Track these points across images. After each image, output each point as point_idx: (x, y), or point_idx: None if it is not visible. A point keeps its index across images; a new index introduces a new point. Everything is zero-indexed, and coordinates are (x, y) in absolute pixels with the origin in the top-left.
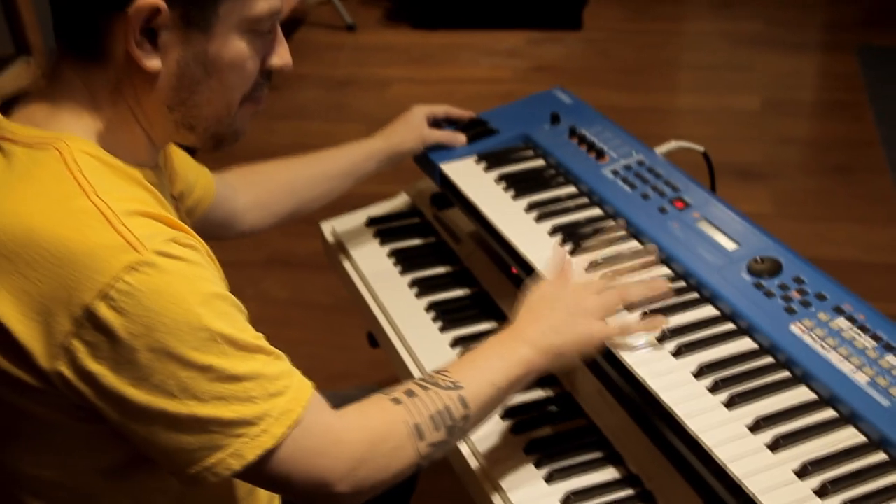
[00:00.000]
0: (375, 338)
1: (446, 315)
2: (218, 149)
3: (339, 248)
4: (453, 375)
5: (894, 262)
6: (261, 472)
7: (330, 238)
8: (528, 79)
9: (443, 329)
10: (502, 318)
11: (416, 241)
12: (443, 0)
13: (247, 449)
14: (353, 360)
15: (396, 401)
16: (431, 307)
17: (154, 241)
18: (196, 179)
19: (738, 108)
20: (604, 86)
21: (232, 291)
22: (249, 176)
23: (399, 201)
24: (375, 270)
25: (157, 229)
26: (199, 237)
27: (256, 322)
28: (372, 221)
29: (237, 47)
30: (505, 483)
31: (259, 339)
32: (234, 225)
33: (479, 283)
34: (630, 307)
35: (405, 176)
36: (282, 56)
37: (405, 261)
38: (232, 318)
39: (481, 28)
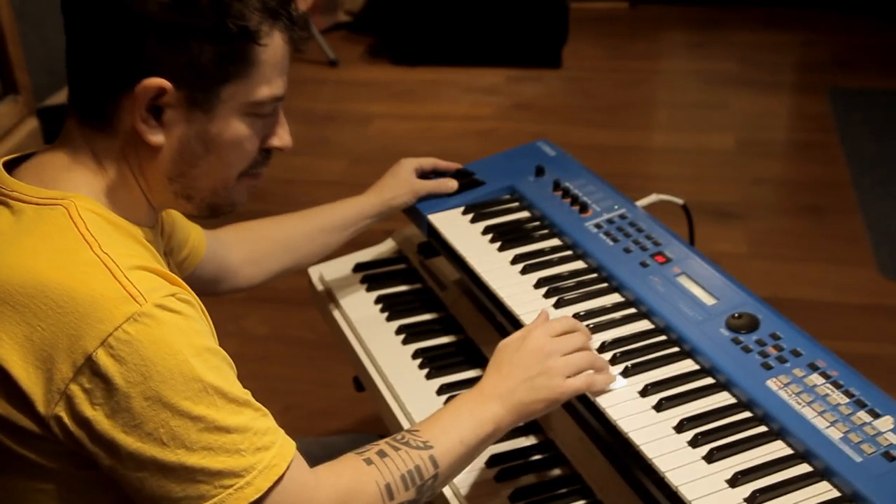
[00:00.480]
0: (362, 382)
1: (432, 362)
2: (213, 217)
3: (327, 293)
4: (424, 434)
5: (866, 302)
6: None
7: (318, 284)
8: (509, 116)
9: (429, 376)
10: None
11: (402, 288)
12: (424, 37)
13: (231, 500)
14: (336, 396)
15: (368, 461)
16: (417, 354)
17: (154, 295)
18: (187, 236)
19: (713, 147)
20: (583, 124)
21: (213, 328)
22: (243, 233)
23: (385, 247)
24: (362, 316)
25: (158, 283)
26: (193, 293)
27: (238, 358)
28: (359, 267)
29: (237, 128)
30: None
31: (247, 394)
32: (227, 280)
33: (464, 331)
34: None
35: (391, 220)
36: (282, 138)
37: (391, 307)
38: (223, 373)
39: (461, 65)
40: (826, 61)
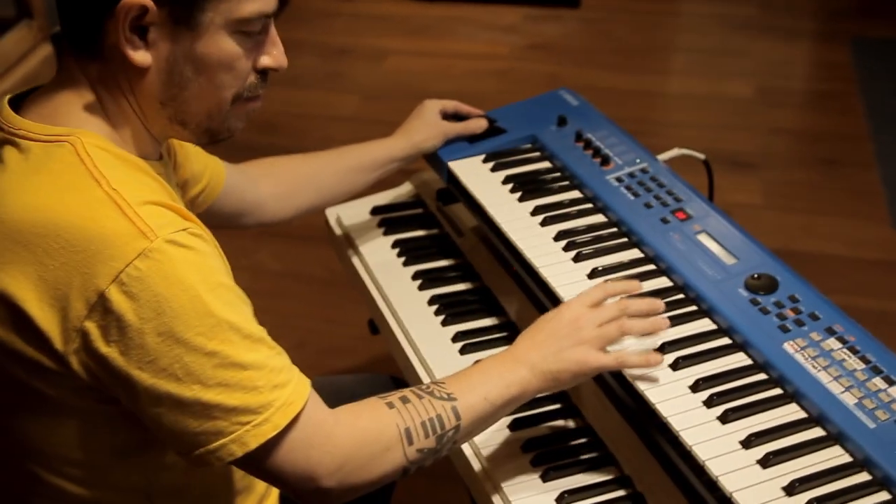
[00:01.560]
0: (377, 326)
1: (448, 308)
2: (212, 143)
3: (345, 236)
4: (449, 387)
5: (878, 258)
6: (258, 460)
7: (335, 226)
8: (525, 56)
9: (445, 323)
10: (503, 314)
11: (419, 233)
12: None
13: (249, 437)
14: (347, 335)
15: (390, 405)
16: (434, 300)
17: (165, 230)
18: (203, 169)
19: (731, 94)
20: (599, 66)
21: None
22: (271, 168)
23: (403, 191)
24: (379, 261)
25: (169, 219)
26: (206, 228)
27: (249, 293)
28: (376, 210)
29: (226, 46)
30: (501, 478)
31: (263, 332)
32: (252, 214)
33: (480, 279)
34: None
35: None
36: (275, 57)
37: (408, 252)
38: (238, 309)
39: (480, 2)
40: (851, 8)
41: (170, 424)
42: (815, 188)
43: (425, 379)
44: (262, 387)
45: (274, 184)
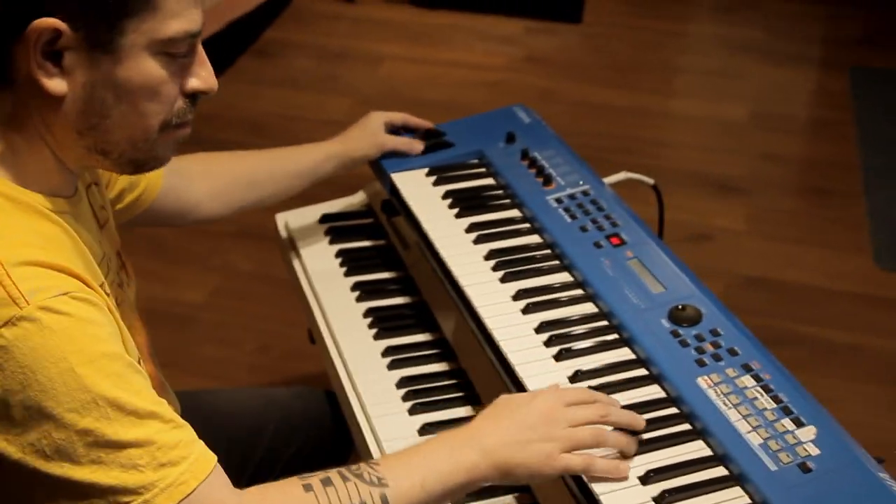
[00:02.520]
0: (313, 335)
1: (382, 322)
2: (137, 173)
3: (289, 241)
4: (383, 470)
5: (857, 291)
6: None
7: (282, 231)
8: (520, 68)
9: (377, 336)
10: (437, 331)
11: (365, 243)
12: None
13: None
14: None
15: (308, 487)
16: (369, 312)
17: (40, 296)
18: (140, 176)
19: (724, 117)
20: (594, 82)
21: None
22: (207, 165)
23: (356, 199)
24: (320, 269)
25: (47, 282)
26: (101, 291)
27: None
28: (325, 218)
29: (149, 70)
30: None
31: (158, 404)
32: (189, 213)
33: (420, 293)
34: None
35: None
36: (204, 79)
37: (351, 262)
38: (123, 380)
39: (481, 12)
40: (853, 37)
41: (44, 500)
42: (801, 216)
43: (352, 396)
44: (143, 465)
45: (211, 182)
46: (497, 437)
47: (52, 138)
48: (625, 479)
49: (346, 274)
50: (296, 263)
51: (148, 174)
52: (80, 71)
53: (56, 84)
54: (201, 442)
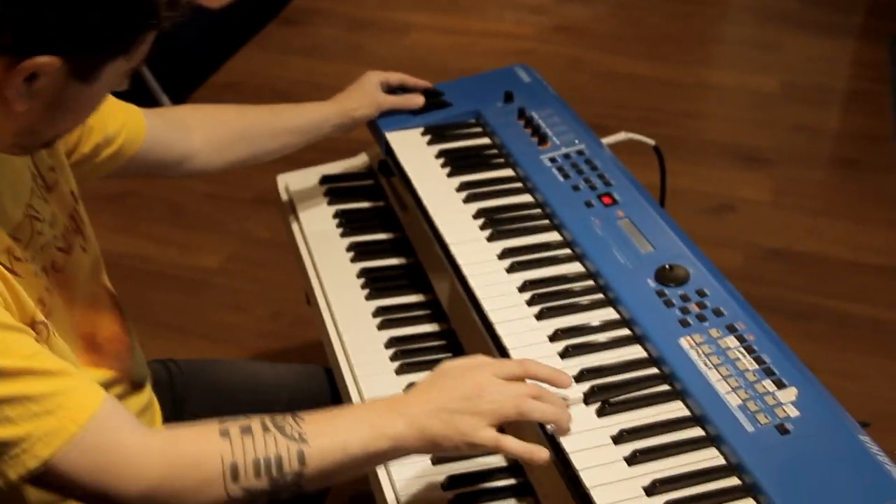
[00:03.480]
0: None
1: (375, 283)
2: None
3: (290, 203)
4: (305, 426)
5: (881, 263)
6: (39, 485)
7: (282, 191)
8: (550, 38)
9: (369, 297)
10: (431, 292)
11: (363, 204)
12: None
13: (7, 468)
14: None
15: (224, 433)
16: (363, 273)
17: None
18: (119, 129)
19: (756, 88)
20: (624, 53)
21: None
22: (204, 117)
23: (358, 161)
24: (317, 230)
25: None
26: None
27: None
28: (325, 179)
29: (107, 92)
30: None
31: (30, 358)
32: (181, 165)
33: (416, 254)
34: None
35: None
36: (123, 84)
37: (348, 223)
38: None
39: None
40: (893, 7)
41: None
42: (829, 189)
43: (340, 354)
44: (16, 418)
45: (207, 134)
46: (424, 407)
47: None
48: (543, 459)
49: (343, 235)
50: (294, 224)
51: (129, 127)
52: (47, 92)
53: (20, 103)
54: (87, 383)
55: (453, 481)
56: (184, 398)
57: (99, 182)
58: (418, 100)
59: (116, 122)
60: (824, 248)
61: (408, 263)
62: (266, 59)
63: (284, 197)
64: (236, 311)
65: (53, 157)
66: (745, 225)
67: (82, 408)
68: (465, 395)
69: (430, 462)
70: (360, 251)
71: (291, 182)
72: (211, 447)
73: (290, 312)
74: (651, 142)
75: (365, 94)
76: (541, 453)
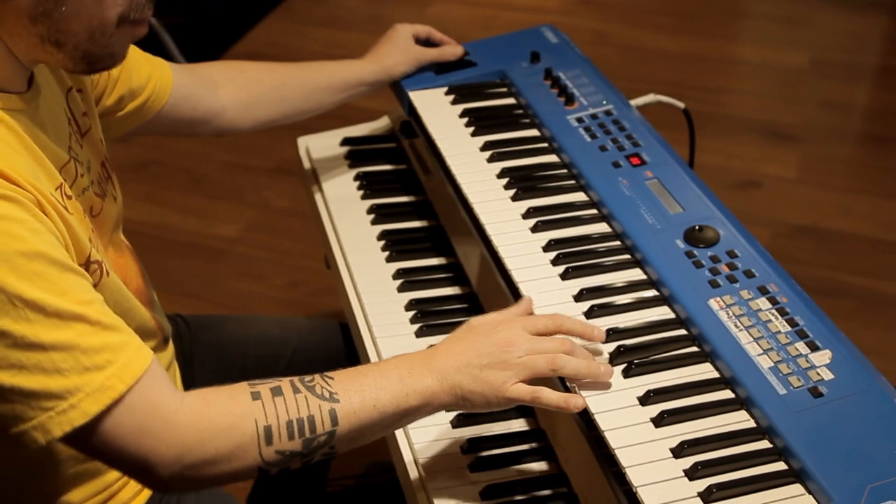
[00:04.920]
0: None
1: (395, 245)
2: (90, 72)
3: (310, 164)
4: (336, 385)
5: None
6: (77, 444)
7: (303, 155)
8: (574, 11)
9: (389, 259)
10: (452, 255)
11: (385, 167)
12: None
13: (52, 424)
14: None
15: (256, 395)
16: (383, 235)
17: None
18: (145, 82)
19: (785, 64)
20: (651, 27)
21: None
22: (234, 73)
23: (380, 124)
24: (338, 192)
25: None
26: (29, 188)
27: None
28: (346, 142)
29: None
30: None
31: (85, 305)
32: (209, 123)
33: (437, 217)
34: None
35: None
36: None
37: (369, 186)
38: (45, 280)
39: None
40: None
41: None
42: (857, 166)
43: (359, 317)
44: (67, 370)
45: (236, 91)
46: (453, 362)
47: (3, 28)
48: (579, 407)
49: (364, 197)
50: (314, 187)
51: (155, 81)
52: None
53: None
54: (137, 342)
55: (473, 444)
56: (192, 353)
57: (122, 150)
58: (457, 49)
59: (142, 75)
60: (852, 226)
61: (429, 226)
62: (287, 29)
63: (305, 160)
64: (254, 280)
65: (86, 103)
66: (772, 201)
67: (131, 367)
68: (495, 349)
69: (449, 425)
70: (380, 213)
71: (312, 145)
72: (244, 410)
73: (309, 281)
74: (681, 105)
75: (402, 50)
76: (577, 400)
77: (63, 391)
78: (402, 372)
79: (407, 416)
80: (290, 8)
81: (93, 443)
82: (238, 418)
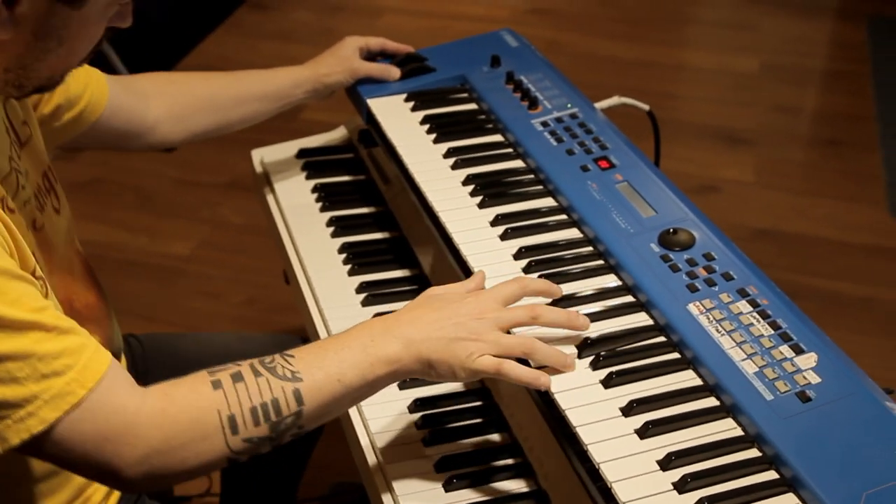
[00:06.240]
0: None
1: (357, 258)
2: (27, 96)
3: (265, 178)
4: (297, 363)
5: (869, 243)
6: (37, 452)
7: (258, 166)
8: (525, 21)
9: (351, 272)
10: (416, 266)
11: (343, 178)
12: None
13: (9, 432)
14: None
15: (217, 384)
16: (345, 248)
17: None
18: (82, 91)
19: (735, 69)
20: (601, 35)
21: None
22: (165, 85)
23: (336, 135)
24: (295, 204)
25: None
26: None
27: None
28: (302, 153)
29: (98, 19)
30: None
31: (38, 312)
32: (142, 136)
33: (400, 228)
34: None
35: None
36: (128, 19)
37: (328, 197)
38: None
39: None
40: None
41: None
42: (811, 168)
43: (322, 332)
44: (24, 378)
45: (168, 103)
46: (420, 328)
47: None
48: (546, 385)
49: (322, 209)
50: (270, 199)
51: (91, 90)
52: (32, 19)
53: (3, 30)
54: (94, 345)
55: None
56: (146, 372)
57: (66, 167)
58: (395, 72)
59: (79, 84)
60: (810, 228)
61: (391, 237)
62: (238, 43)
63: (259, 171)
64: (209, 298)
65: (25, 111)
66: (730, 206)
67: (90, 370)
68: (465, 320)
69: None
70: (340, 226)
71: (267, 156)
72: (206, 402)
73: (266, 298)
74: (645, 107)
75: (340, 60)
76: (546, 378)
77: (20, 399)
78: (365, 341)
79: (375, 385)
80: (239, 22)
81: (53, 450)
82: (201, 412)
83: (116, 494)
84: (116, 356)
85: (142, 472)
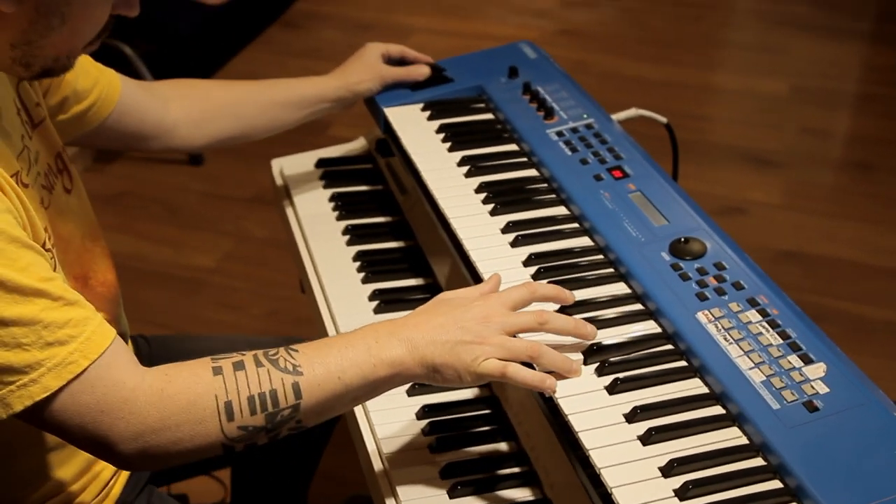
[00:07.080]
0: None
1: (371, 266)
2: (41, 79)
3: (284, 187)
4: (299, 357)
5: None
6: (37, 420)
7: (277, 176)
8: (553, 41)
9: (365, 280)
10: (429, 276)
11: (361, 188)
12: None
13: (12, 398)
14: None
15: (217, 370)
16: (359, 256)
17: None
18: (91, 87)
19: (763, 92)
20: (629, 56)
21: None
22: (186, 89)
23: (356, 145)
24: (312, 213)
25: None
26: (4, 177)
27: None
28: (321, 163)
29: (102, 3)
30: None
31: (46, 281)
32: (159, 138)
33: (415, 238)
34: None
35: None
36: (133, 7)
37: (345, 206)
38: (6, 257)
39: None
40: None
41: None
42: (840, 191)
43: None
44: (28, 344)
45: (187, 107)
46: (425, 332)
47: None
48: (552, 390)
49: (339, 218)
50: (288, 209)
51: (101, 88)
52: None
53: (5, 3)
54: (99, 319)
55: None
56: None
57: (94, 180)
58: (423, 70)
59: (88, 79)
60: (837, 251)
61: (406, 246)
62: (267, 61)
63: (279, 181)
64: (232, 310)
65: (37, 94)
66: (756, 227)
67: (94, 343)
68: (472, 325)
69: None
70: (356, 234)
71: (287, 166)
72: (204, 387)
73: (288, 311)
74: (663, 119)
75: (367, 67)
76: (552, 382)
77: (24, 366)
78: (369, 341)
79: (376, 386)
80: (269, 39)
81: (53, 418)
82: (198, 395)
83: (125, 473)
84: (123, 339)
85: (136, 448)
